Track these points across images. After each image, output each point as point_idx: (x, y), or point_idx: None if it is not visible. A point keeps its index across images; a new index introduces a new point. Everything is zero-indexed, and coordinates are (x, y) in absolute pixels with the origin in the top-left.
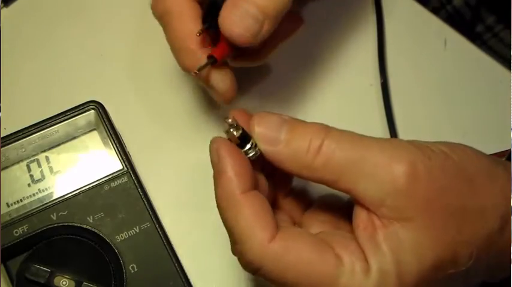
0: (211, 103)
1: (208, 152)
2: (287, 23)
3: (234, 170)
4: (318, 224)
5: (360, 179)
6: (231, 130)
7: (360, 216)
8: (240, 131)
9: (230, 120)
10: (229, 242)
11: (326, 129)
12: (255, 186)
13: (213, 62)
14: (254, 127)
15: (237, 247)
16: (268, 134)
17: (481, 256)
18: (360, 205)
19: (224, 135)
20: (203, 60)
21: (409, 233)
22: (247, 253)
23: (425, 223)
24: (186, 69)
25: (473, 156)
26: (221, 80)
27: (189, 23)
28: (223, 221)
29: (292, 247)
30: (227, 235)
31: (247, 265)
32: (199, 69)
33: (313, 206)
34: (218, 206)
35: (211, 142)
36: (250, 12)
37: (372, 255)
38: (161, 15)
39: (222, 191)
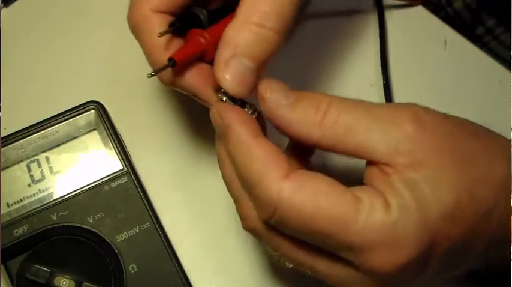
0: None
1: (208, 151)
2: None
3: (239, 121)
4: None
5: (369, 133)
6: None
7: (372, 172)
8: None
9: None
10: (229, 242)
11: (331, 97)
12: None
13: (172, 64)
14: (266, 92)
15: (252, 191)
16: (278, 97)
17: (499, 200)
18: (371, 164)
19: None
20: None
21: (425, 174)
22: (263, 193)
23: (438, 164)
24: (161, 81)
25: (468, 121)
26: (191, 84)
27: (158, 38)
28: (234, 178)
29: (310, 182)
30: (227, 235)
31: (263, 208)
32: (156, 72)
33: None
34: (233, 160)
35: (212, 108)
36: (246, 65)
37: (389, 194)
38: (133, 29)
39: (232, 142)
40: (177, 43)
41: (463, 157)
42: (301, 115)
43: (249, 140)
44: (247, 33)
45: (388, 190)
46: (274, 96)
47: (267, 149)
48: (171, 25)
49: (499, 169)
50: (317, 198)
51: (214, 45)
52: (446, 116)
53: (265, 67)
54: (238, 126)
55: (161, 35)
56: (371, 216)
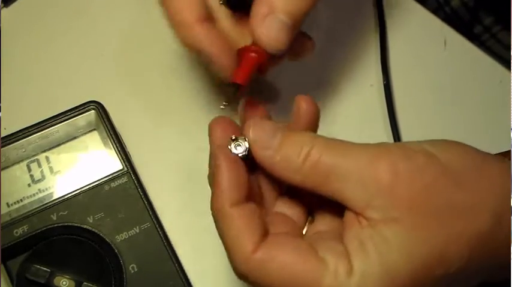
0: (211, 103)
1: (206, 149)
2: (299, 44)
3: (227, 183)
4: (329, 218)
5: (345, 181)
6: (233, 146)
7: (349, 217)
8: (243, 151)
9: (233, 137)
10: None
11: (314, 137)
12: (249, 197)
13: (238, 87)
14: (249, 132)
15: (228, 252)
16: (263, 139)
17: (474, 256)
18: (349, 209)
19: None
20: (197, 32)
21: (396, 233)
22: (234, 263)
23: (410, 223)
24: (184, 43)
25: (462, 155)
26: (212, 46)
27: None
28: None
29: (276, 255)
30: None
31: (236, 273)
32: (229, 101)
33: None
34: (212, 215)
35: (211, 143)
36: (283, 21)
37: (355, 255)
38: None
39: (214, 202)
40: (198, 4)
41: (439, 213)
42: (284, 160)
43: (227, 208)
44: None
45: (355, 246)
46: (259, 138)
47: (242, 220)
48: None
49: (479, 222)
50: (283, 268)
51: (265, 53)
52: (427, 164)
53: (299, 25)
54: (224, 188)
55: (221, 2)
56: (333, 283)
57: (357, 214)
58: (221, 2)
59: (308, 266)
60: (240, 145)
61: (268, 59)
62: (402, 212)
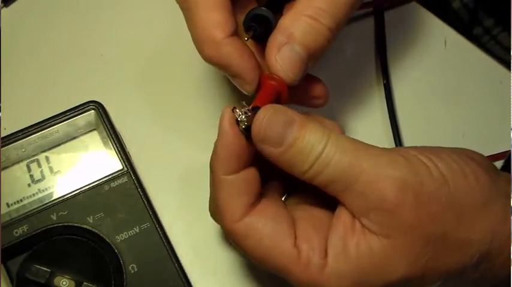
0: (211, 102)
1: (208, 152)
2: (312, 89)
3: (225, 152)
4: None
5: (350, 191)
6: (243, 118)
7: (344, 213)
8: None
9: (242, 110)
10: (228, 241)
11: (327, 136)
12: (248, 163)
13: (257, 111)
14: (260, 127)
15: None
16: (272, 138)
17: (450, 280)
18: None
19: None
20: (226, 48)
21: (383, 247)
22: (221, 224)
23: (402, 245)
24: (208, 59)
25: (473, 187)
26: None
27: (215, 12)
28: None
29: (255, 232)
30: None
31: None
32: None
33: None
34: (211, 175)
35: (223, 112)
36: (299, 52)
37: (334, 253)
38: (185, 1)
39: (211, 163)
40: (228, 19)
41: (432, 242)
42: (291, 162)
43: (220, 176)
44: (301, 23)
45: (338, 245)
46: (269, 137)
47: (233, 190)
48: (247, 30)
49: (464, 259)
50: (258, 247)
51: (284, 82)
52: (436, 195)
53: (314, 62)
54: (221, 157)
55: (247, 39)
56: (304, 273)
57: (353, 215)
58: (246, 39)
59: (282, 252)
60: (247, 118)
61: (287, 90)
62: (397, 234)
